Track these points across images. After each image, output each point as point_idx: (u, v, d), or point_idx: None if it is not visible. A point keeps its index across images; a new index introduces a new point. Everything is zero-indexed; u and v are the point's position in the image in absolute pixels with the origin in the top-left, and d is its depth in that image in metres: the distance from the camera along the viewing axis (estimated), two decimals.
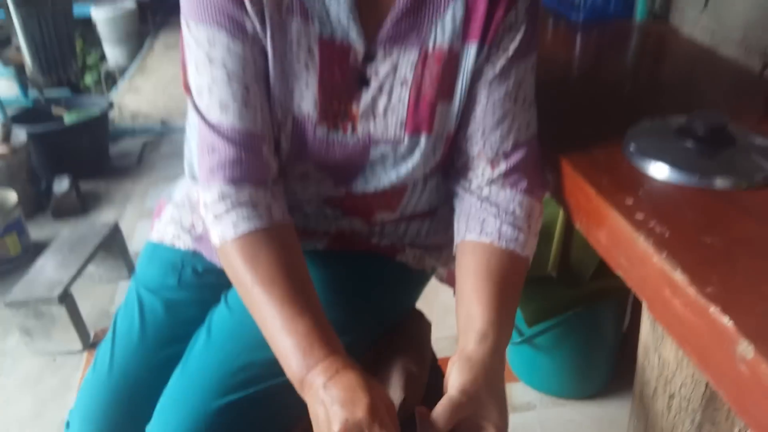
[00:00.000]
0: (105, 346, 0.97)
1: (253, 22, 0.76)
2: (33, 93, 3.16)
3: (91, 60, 4.64)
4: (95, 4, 4.71)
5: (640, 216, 0.75)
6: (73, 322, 1.80)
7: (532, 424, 1.57)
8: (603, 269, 1.42)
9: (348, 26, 0.77)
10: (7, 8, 3.26)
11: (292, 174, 0.87)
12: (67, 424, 0.98)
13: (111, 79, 4.71)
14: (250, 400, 0.81)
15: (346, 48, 0.79)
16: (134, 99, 3.91)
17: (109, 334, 0.98)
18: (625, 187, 0.82)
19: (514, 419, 1.53)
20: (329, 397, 0.64)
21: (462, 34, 0.79)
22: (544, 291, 1.42)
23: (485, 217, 0.83)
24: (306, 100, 0.80)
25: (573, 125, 1.00)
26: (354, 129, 0.82)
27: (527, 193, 0.85)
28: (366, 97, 0.81)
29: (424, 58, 0.80)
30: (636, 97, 1.12)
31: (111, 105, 3.10)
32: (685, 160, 0.84)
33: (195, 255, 1.00)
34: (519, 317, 1.53)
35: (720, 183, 0.81)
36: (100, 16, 4.62)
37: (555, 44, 1.48)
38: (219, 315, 0.92)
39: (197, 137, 0.81)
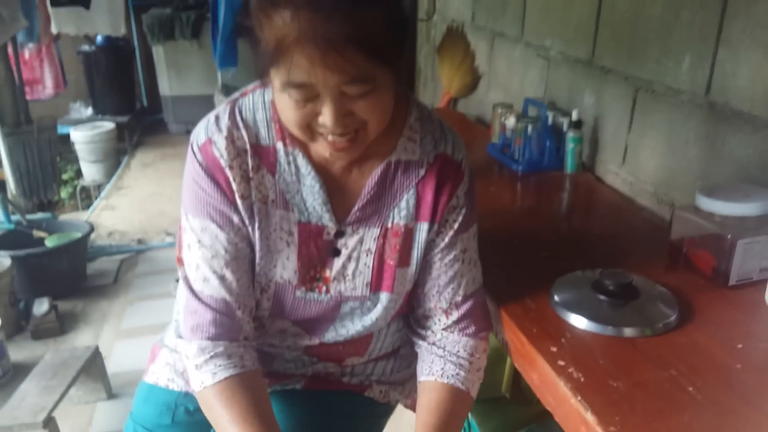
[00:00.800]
0: None
1: (241, 214, 0.95)
2: (15, 216, 3.29)
3: (66, 176, 4.83)
4: (74, 126, 4.95)
5: (561, 362, 0.93)
6: None
7: None
8: None
9: (321, 213, 0.97)
10: None
11: (272, 329, 1.05)
12: None
13: (85, 194, 4.88)
14: None
15: (320, 228, 0.98)
16: (110, 216, 4.07)
17: None
18: (551, 335, 1.00)
19: None
20: None
21: (415, 215, 0.99)
22: (500, 410, 1.58)
23: (433, 359, 1.02)
24: (287, 269, 0.98)
25: (510, 277, 1.19)
26: (327, 290, 1.00)
27: (472, 336, 1.04)
28: (337, 263, 1.00)
29: (384, 233, 0.99)
30: (564, 248, 1.33)
31: (92, 228, 3.25)
32: (599, 312, 1.03)
33: (187, 395, 1.14)
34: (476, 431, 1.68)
35: (628, 332, 1.00)
36: (78, 137, 4.84)
37: (499, 190, 1.71)
38: None
39: (184, 300, 0.99)
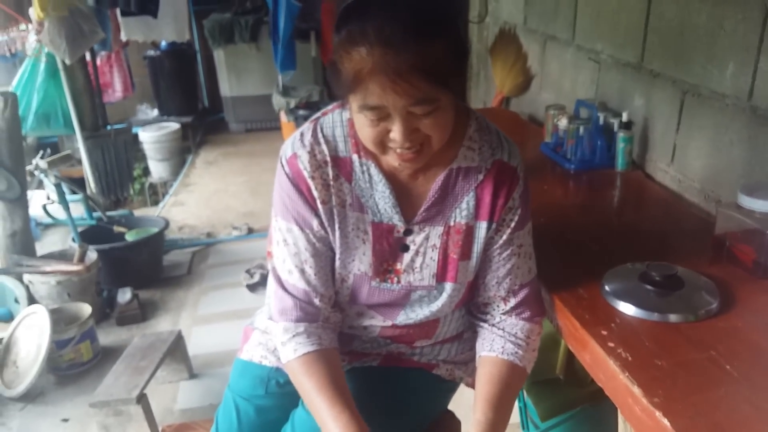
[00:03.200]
0: None
1: (321, 219, 1.11)
2: (96, 213, 3.57)
3: (135, 173, 5.12)
4: (142, 127, 5.25)
5: (611, 344, 1.06)
6: (147, 420, 2.08)
7: None
8: None
9: (392, 214, 1.12)
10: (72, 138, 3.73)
11: (350, 313, 1.20)
12: None
13: (152, 190, 5.18)
14: None
15: (391, 227, 1.13)
16: (180, 212, 4.32)
17: (213, 427, 1.28)
18: (602, 320, 1.12)
19: None
20: None
21: (475, 215, 1.13)
22: (554, 391, 1.69)
23: (494, 338, 1.16)
24: (363, 263, 1.13)
25: (564, 268, 1.31)
26: (399, 280, 1.15)
27: (528, 320, 1.17)
28: (407, 257, 1.14)
29: (447, 231, 1.13)
30: (614, 241, 1.44)
31: (167, 224, 3.49)
32: (646, 300, 1.14)
33: (278, 371, 1.30)
34: (534, 412, 1.80)
35: (672, 318, 1.11)
36: (146, 137, 5.14)
37: (552, 187, 1.83)
38: (299, 416, 1.21)
39: (273, 287, 1.16)
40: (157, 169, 5.28)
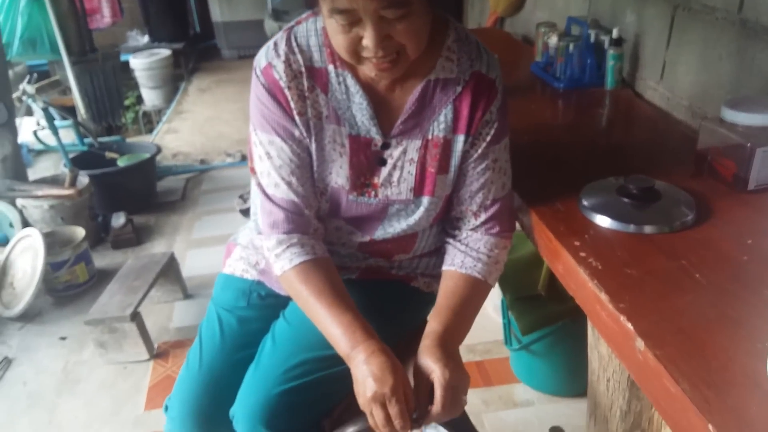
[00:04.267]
0: (194, 350, 1.29)
1: (300, 129, 1.09)
2: (87, 139, 3.54)
3: (128, 102, 5.07)
4: (133, 54, 5.15)
5: (583, 254, 1.07)
6: (141, 336, 2.14)
7: (531, 419, 1.87)
8: None
9: (369, 126, 1.10)
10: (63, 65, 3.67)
11: (329, 227, 1.20)
12: (166, 407, 1.30)
13: (147, 119, 5.13)
14: (305, 386, 1.13)
15: (368, 140, 1.12)
16: (174, 139, 4.30)
17: (196, 341, 1.31)
18: (576, 232, 1.13)
19: (515, 414, 1.85)
20: (367, 371, 0.96)
21: (452, 128, 1.11)
22: (535, 307, 1.73)
23: (456, 253, 1.17)
24: (340, 176, 1.13)
25: (543, 184, 1.31)
26: (376, 194, 1.15)
27: (495, 235, 1.17)
28: (384, 171, 1.14)
29: (425, 145, 1.12)
30: (598, 158, 1.43)
31: (159, 149, 3.47)
32: (622, 213, 1.15)
33: (259, 284, 1.33)
34: (517, 328, 1.84)
35: (647, 229, 1.12)
36: (137, 64, 5.05)
37: (540, 107, 1.81)
38: (280, 326, 1.24)
39: (260, 203, 1.15)
40: (150, 97, 5.21)
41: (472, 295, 1.13)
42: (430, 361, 0.99)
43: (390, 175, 1.14)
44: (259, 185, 1.15)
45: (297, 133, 1.10)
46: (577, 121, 1.74)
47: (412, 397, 0.99)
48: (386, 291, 1.27)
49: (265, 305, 1.31)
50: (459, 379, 0.98)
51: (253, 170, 1.18)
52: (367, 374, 0.96)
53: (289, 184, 1.11)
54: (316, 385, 1.14)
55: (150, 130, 4.89)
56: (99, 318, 2.12)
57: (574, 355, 1.88)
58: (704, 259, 1.04)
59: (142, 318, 2.18)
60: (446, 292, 1.12)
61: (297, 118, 1.09)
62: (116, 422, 1.96)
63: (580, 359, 1.93)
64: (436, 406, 0.96)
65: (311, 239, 1.13)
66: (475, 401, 1.85)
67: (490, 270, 1.15)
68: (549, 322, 1.73)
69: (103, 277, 2.69)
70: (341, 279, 1.13)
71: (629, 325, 0.90)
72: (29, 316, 2.50)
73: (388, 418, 0.94)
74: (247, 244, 1.37)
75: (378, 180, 1.14)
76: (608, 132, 1.69)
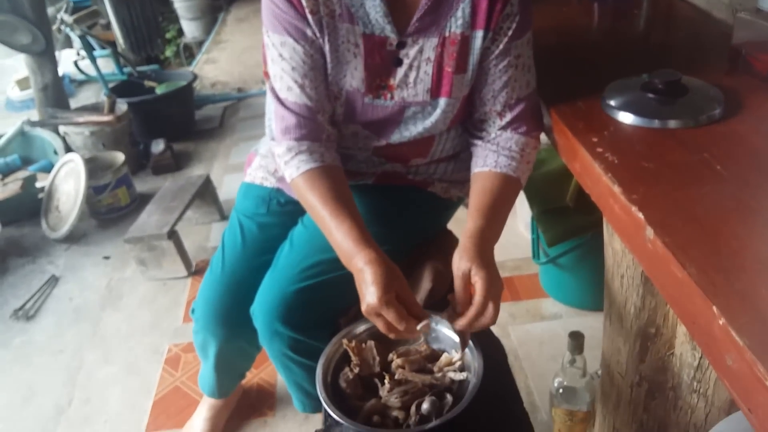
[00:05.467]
0: (217, 255, 1.33)
1: (312, 29, 1.06)
2: (126, 69, 3.59)
3: (169, 35, 5.08)
4: None
5: (600, 149, 1.03)
6: (179, 254, 2.22)
7: (558, 331, 1.87)
8: None
9: (383, 24, 1.07)
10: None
11: (345, 132, 1.19)
12: (192, 310, 1.35)
13: (188, 51, 5.15)
14: (319, 285, 1.15)
15: (383, 39, 1.08)
16: (212, 69, 4.31)
17: (219, 248, 1.34)
18: (595, 129, 1.08)
19: (542, 326, 1.85)
20: (361, 281, 0.96)
21: (471, 24, 1.07)
22: (563, 219, 1.70)
23: (487, 154, 1.13)
24: (355, 78, 1.10)
25: (566, 83, 1.26)
26: (392, 96, 1.12)
27: (524, 134, 1.14)
28: (400, 72, 1.11)
29: (442, 43, 1.09)
30: (627, 58, 1.36)
31: (195, 77, 3.49)
32: (645, 108, 1.09)
33: (278, 191, 1.34)
34: (543, 241, 1.82)
35: (671, 124, 1.06)
36: None
37: (574, 9, 1.72)
38: (297, 231, 1.26)
39: (273, 108, 1.14)
40: (190, 29, 5.21)
41: (508, 194, 1.11)
42: (471, 264, 0.96)
43: (406, 75, 1.11)
44: (272, 89, 1.14)
45: (309, 32, 1.07)
46: (611, 23, 1.65)
47: (414, 299, 0.98)
48: (403, 196, 1.27)
49: (284, 212, 1.32)
50: (497, 284, 0.97)
51: (266, 74, 1.17)
52: (360, 284, 0.96)
53: (302, 87, 1.09)
54: (330, 285, 1.16)
55: (191, 63, 4.92)
56: (138, 236, 2.20)
57: (602, 268, 1.85)
58: (728, 152, 0.98)
59: (180, 237, 2.25)
60: (483, 191, 1.09)
61: (309, 16, 1.06)
62: (156, 334, 2.05)
63: None
64: (475, 308, 0.95)
65: (321, 147, 1.12)
66: (502, 314, 1.82)
67: (523, 169, 1.13)
68: (576, 233, 1.70)
69: (144, 201, 2.76)
70: (349, 186, 1.12)
71: (640, 215, 0.87)
72: (74, 237, 2.61)
73: (389, 325, 0.94)
74: (266, 153, 1.38)
75: (394, 81, 1.11)
76: (642, 33, 1.60)
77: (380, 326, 0.95)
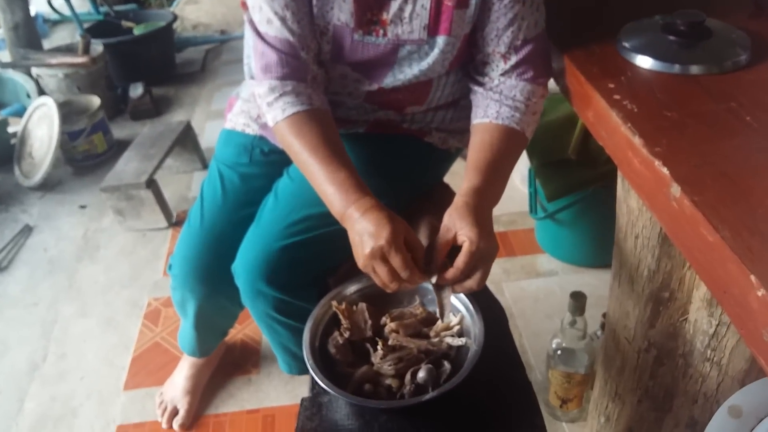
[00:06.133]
0: (195, 208, 1.23)
1: None
2: (103, 8, 3.40)
3: None
4: None
5: (617, 96, 0.93)
6: (158, 204, 2.11)
7: (553, 288, 1.81)
8: None
9: None
10: None
11: (333, 75, 1.08)
12: (170, 266, 1.26)
13: None
14: (307, 242, 1.06)
15: None
16: (194, 10, 4.11)
17: (198, 199, 1.24)
18: (611, 74, 0.98)
19: (537, 283, 1.78)
20: (362, 229, 0.86)
21: None
22: (565, 172, 1.61)
23: (489, 103, 1.02)
24: (344, 11, 0.99)
25: (579, 24, 1.15)
26: (384, 33, 1.01)
27: (530, 81, 1.03)
28: (394, 5, 0.99)
29: None
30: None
31: (175, 17, 3.31)
32: (666, 52, 0.99)
33: (261, 139, 1.23)
34: (543, 195, 1.74)
35: (693, 69, 0.97)
36: None
37: None
38: (283, 183, 1.16)
39: (252, 43, 1.02)
40: None
41: (511, 149, 1.00)
42: (460, 223, 0.86)
43: (401, 9, 0.99)
44: (251, 22, 1.01)
45: None
46: None
47: (421, 246, 0.90)
48: (398, 146, 1.17)
49: (268, 162, 1.22)
50: (488, 248, 0.86)
51: (244, 5, 1.04)
52: (362, 232, 0.86)
53: (283, 19, 0.97)
54: (318, 242, 1.07)
55: (172, 3, 4.69)
56: (115, 185, 2.09)
57: (602, 224, 1.77)
58: (758, 101, 0.89)
59: (159, 186, 2.14)
60: (482, 146, 0.98)
61: None
62: (135, 286, 1.97)
63: (608, 229, 1.84)
64: (455, 270, 0.86)
65: (308, 88, 1.00)
66: (495, 270, 1.78)
67: (528, 121, 1.02)
68: (577, 187, 1.61)
69: (122, 148, 2.63)
70: (340, 133, 1.02)
71: (665, 170, 0.78)
72: (49, 185, 2.49)
73: (393, 272, 0.85)
74: (248, 98, 1.27)
75: (387, 16, 1.00)
76: None
77: (382, 274, 0.85)
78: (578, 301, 1.25)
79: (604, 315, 1.39)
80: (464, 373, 0.86)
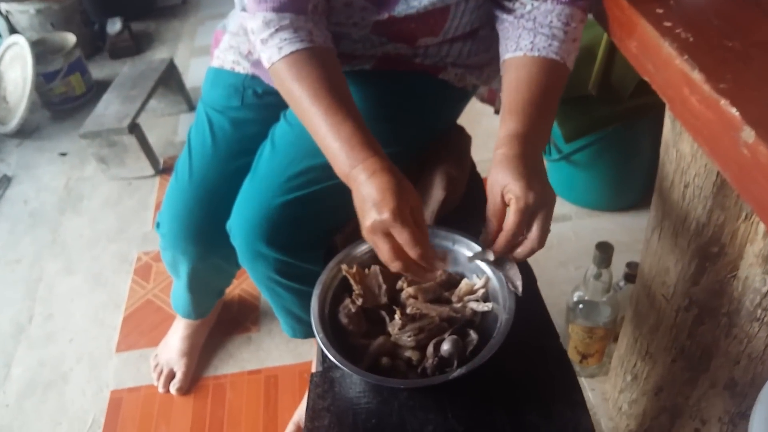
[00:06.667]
0: (183, 159, 1.10)
1: None
2: None
3: None
4: None
5: (668, 23, 0.80)
6: (143, 150, 1.97)
7: (567, 233, 1.71)
8: (643, 87, 1.46)
9: None
10: None
11: (336, 3, 0.93)
12: (158, 225, 1.15)
13: None
14: (310, 197, 0.94)
15: None
16: None
17: (185, 149, 1.11)
18: None
19: (551, 230, 1.66)
20: (365, 195, 0.74)
21: None
22: (584, 109, 1.48)
23: (520, 33, 0.87)
24: None
25: None
26: None
27: (568, 4, 0.88)
28: None
29: None
30: None
31: None
32: None
33: (254, 78, 1.09)
34: (557, 135, 1.61)
35: None
36: None
37: None
38: (280, 130, 1.03)
39: None
40: None
41: (553, 83, 0.85)
42: (503, 179, 0.73)
43: None
44: None
45: None
46: None
47: (425, 226, 0.77)
48: (409, 84, 1.03)
49: (262, 105, 1.09)
50: (541, 199, 0.74)
51: None
52: (365, 199, 0.74)
53: None
54: (323, 196, 0.95)
55: None
56: (95, 131, 1.94)
57: (621, 165, 1.67)
58: None
59: (143, 131, 1.99)
60: (518, 84, 0.84)
61: None
62: (122, 240, 1.85)
63: (628, 171, 1.73)
64: (505, 235, 0.74)
65: (308, 21, 0.86)
66: None
67: (569, 49, 0.87)
68: (598, 126, 1.49)
69: (102, 89, 2.46)
70: (343, 71, 0.88)
71: (733, 111, 0.66)
72: (26, 131, 2.34)
73: (396, 250, 0.72)
74: (237, 31, 1.12)
75: None
76: None
77: (383, 252, 0.74)
78: (605, 252, 1.15)
79: (628, 265, 1.29)
80: (496, 346, 0.76)
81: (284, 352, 1.49)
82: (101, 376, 1.49)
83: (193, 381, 1.45)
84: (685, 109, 0.76)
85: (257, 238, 0.95)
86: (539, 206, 0.74)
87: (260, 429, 1.35)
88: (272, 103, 1.08)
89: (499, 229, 0.75)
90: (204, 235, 1.08)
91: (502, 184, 0.73)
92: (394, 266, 0.74)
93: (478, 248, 0.81)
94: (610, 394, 1.32)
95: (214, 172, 1.07)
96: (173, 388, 1.42)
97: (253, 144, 1.06)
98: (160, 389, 1.43)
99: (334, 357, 0.77)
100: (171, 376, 1.44)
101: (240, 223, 0.97)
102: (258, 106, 1.09)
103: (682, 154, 0.82)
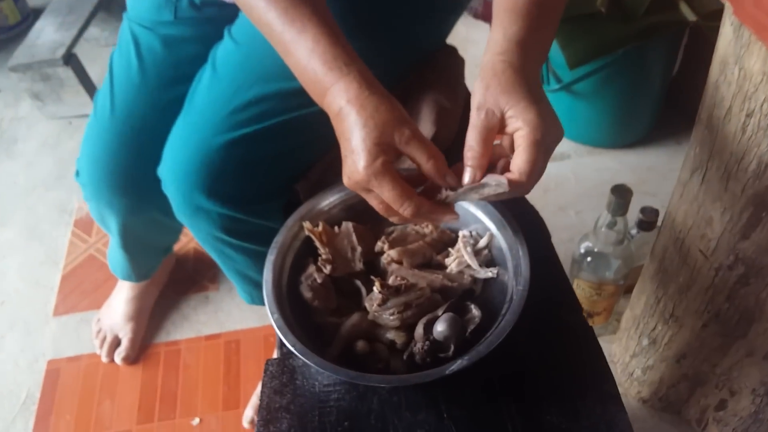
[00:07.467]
0: (104, 90, 0.88)
1: None
2: None
3: None
4: None
5: None
6: (82, 84, 1.72)
7: (566, 174, 1.52)
8: (658, 3, 1.25)
9: None
10: None
11: None
12: (77, 173, 0.94)
13: None
14: (261, 134, 0.74)
15: None
16: None
17: (106, 78, 0.89)
18: None
19: (548, 170, 1.47)
20: (343, 131, 0.54)
21: None
22: (592, 28, 1.27)
23: None
24: None
25: None
26: None
27: None
28: None
29: None
30: None
31: None
32: None
33: None
34: (557, 62, 1.40)
35: None
36: None
37: None
38: (224, 49, 0.81)
39: None
40: None
41: None
42: (508, 98, 0.54)
43: None
44: None
45: None
46: None
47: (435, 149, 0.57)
48: None
49: (201, 19, 0.87)
50: (557, 136, 0.56)
51: None
52: (343, 138, 0.54)
53: None
54: (279, 133, 0.75)
55: None
56: (25, 63, 1.68)
57: (629, 96, 1.47)
58: None
59: (81, 62, 1.73)
60: None
61: None
62: (61, 188, 1.62)
63: (636, 102, 1.52)
64: (519, 177, 0.54)
65: None
66: None
67: None
68: (607, 49, 1.28)
69: (39, 18, 2.18)
70: None
71: None
72: None
73: (388, 207, 0.54)
74: None
75: None
76: None
77: (374, 205, 0.55)
78: (622, 197, 0.97)
79: (642, 210, 1.11)
80: (507, 328, 0.58)
81: (247, 314, 1.30)
82: (37, 343, 1.29)
83: (142, 348, 1.26)
84: (759, 10, 0.56)
85: (195, 187, 0.74)
86: (553, 142, 0.55)
87: (219, 402, 1.18)
88: (213, 15, 0.85)
89: (486, 159, 0.55)
90: (132, 183, 0.88)
91: (505, 105, 0.53)
92: (395, 218, 0.56)
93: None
94: (619, 357, 1.16)
95: (142, 104, 0.85)
96: (118, 357, 1.23)
97: (190, 69, 0.84)
98: (104, 358, 1.24)
99: (293, 345, 0.59)
100: (116, 343, 1.25)
101: (173, 170, 0.76)
102: (196, 20, 0.87)
103: (748, 73, 0.62)
